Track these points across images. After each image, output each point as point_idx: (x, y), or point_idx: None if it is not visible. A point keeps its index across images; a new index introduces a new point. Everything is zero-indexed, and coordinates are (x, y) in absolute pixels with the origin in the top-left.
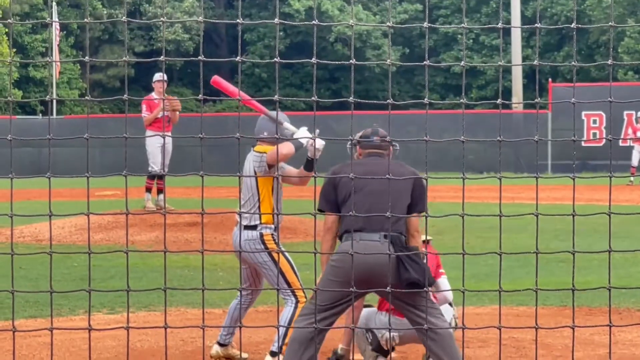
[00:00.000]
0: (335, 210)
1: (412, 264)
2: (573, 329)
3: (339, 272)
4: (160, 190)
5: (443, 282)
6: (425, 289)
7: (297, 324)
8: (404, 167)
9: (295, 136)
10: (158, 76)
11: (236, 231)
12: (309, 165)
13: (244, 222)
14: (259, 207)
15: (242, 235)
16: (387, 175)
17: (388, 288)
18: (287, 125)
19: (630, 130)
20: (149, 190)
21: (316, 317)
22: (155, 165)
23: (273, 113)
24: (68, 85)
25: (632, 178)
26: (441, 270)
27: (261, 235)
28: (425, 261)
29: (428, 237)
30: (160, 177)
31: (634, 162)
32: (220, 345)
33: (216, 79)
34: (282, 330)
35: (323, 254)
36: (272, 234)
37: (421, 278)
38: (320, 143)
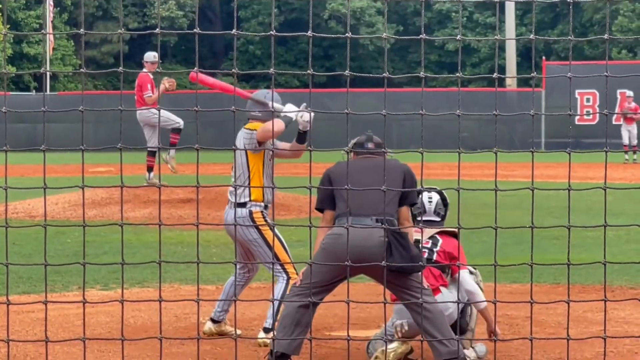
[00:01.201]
0: (333, 206)
1: (400, 249)
2: (568, 304)
3: (329, 254)
4: (150, 168)
5: (462, 276)
6: (420, 269)
7: (287, 300)
8: (397, 162)
9: (283, 112)
10: (152, 57)
11: (228, 209)
12: (301, 138)
13: (234, 199)
14: (248, 184)
15: (232, 213)
16: (380, 168)
17: (383, 263)
18: (276, 105)
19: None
20: (151, 168)
21: (308, 294)
22: (157, 142)
23: (258, 95)
24: (62, 62)
25: (626, 156)
26: (458, 263)
27: (250, 212)
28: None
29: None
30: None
31: (625, 141)
32: (214, 322)
33: (199, 76)
34: (275, 306)
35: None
36: (261, 212)
37: (406, 264)
38: (308, 115)
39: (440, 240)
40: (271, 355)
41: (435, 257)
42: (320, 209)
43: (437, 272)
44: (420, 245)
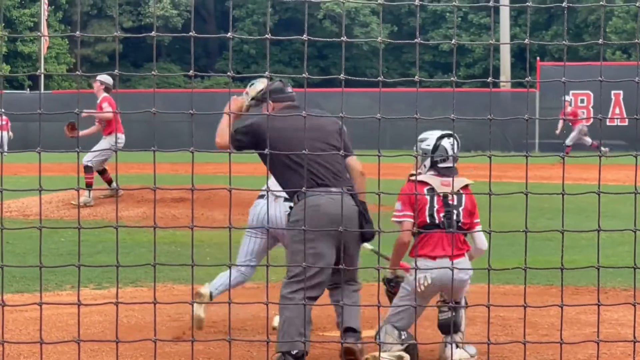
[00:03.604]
0: (251, 148)
1: (366, 215)
2: (561, 307)
3: (316, 226)
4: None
5: (480, 236)
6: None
7: (288, 299)
8: (325, 114)
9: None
10: (106, 78)
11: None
12: None
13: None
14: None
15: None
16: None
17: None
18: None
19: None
20: (90, 185)
21: (309, 288)
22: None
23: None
24: (56, 60)
25: (561, 154)
26: (476, 220)
27: None
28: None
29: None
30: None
31: (569, 142)
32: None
33: None
34: (224, 279)
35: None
36: None
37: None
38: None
39: (464, 197)
40: (289, 355)
41: (462, 219)
42: (238, 147)
43: (461, 238)
44: (449, 202)
